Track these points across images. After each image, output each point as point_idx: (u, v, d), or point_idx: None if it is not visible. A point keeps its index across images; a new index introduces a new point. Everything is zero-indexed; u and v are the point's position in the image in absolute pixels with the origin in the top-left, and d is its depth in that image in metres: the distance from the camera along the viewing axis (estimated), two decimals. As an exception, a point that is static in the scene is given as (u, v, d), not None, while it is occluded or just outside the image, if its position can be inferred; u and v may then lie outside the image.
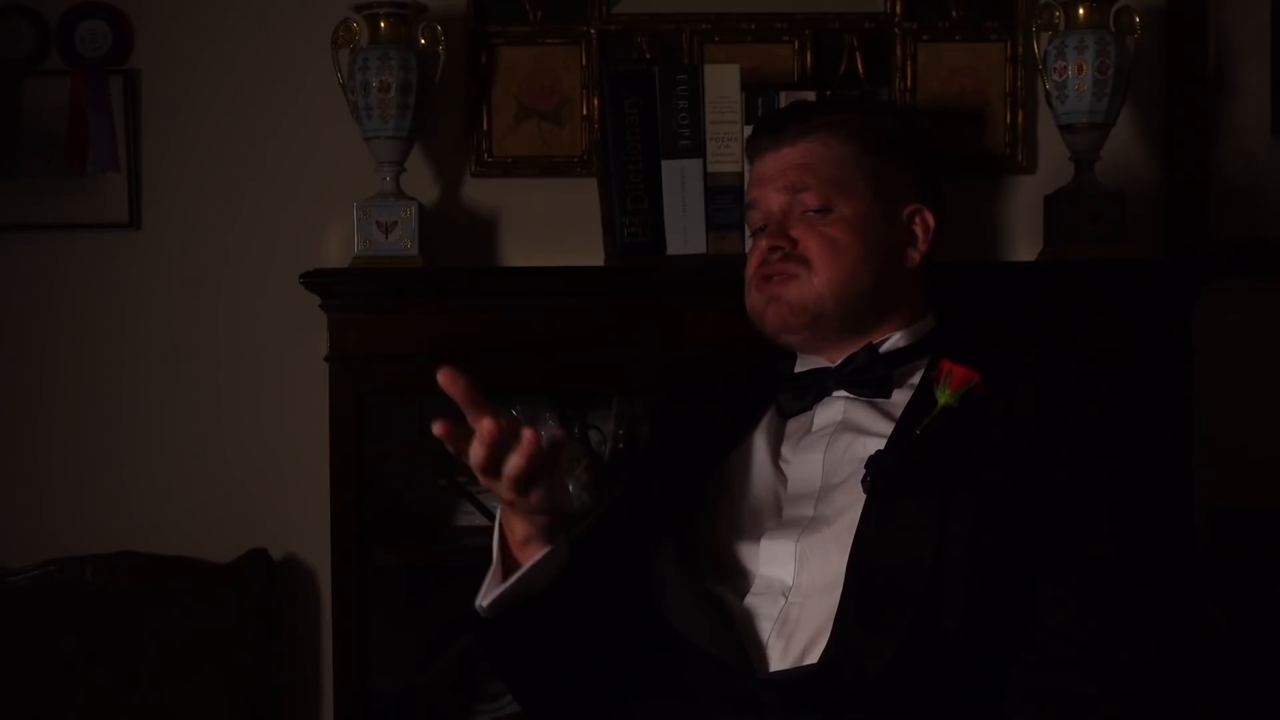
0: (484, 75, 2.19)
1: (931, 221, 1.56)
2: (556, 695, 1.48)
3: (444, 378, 1.23)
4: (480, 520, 2.10)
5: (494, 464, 1.26)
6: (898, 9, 2.18)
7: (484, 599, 1.36)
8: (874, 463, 1.41)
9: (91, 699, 2.06)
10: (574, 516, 2.05)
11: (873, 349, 1.52)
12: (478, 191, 2.21)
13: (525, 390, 2.10)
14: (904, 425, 1.44)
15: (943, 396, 1.42)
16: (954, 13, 2.19)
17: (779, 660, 1.37)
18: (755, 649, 1.38)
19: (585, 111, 2.18)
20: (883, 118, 1.59)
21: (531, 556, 1.35)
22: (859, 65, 2.19)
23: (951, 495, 1.37)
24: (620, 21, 2.18)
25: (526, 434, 1.25)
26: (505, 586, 1.35)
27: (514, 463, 1.26)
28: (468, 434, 1.25)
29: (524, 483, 1.27)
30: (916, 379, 1.51)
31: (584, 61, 2.18)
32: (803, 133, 1.56)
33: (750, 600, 1.42)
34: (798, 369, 1.57)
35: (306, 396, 2.13)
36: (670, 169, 2.02)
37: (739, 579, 1.45)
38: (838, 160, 1.54)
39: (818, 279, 1.51)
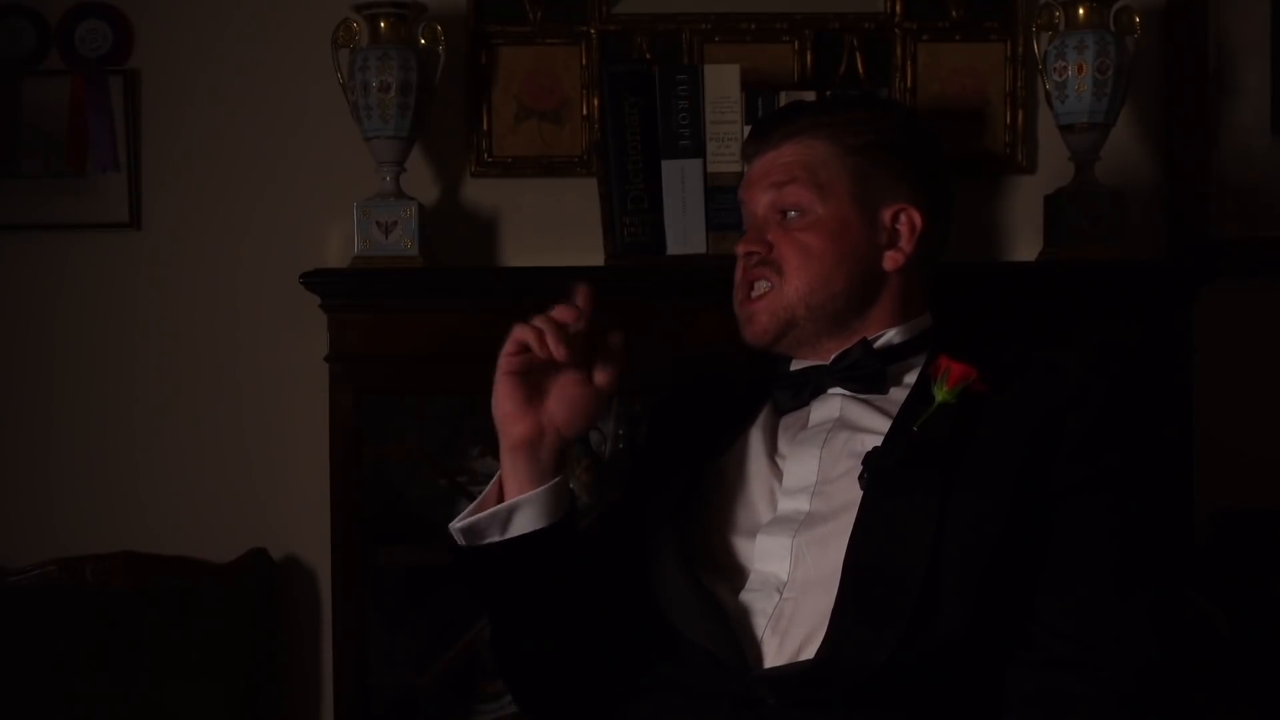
0: (484, 75, 2.19)
1: (919, 221, 1.54)
2: (527, 646, 1.49)
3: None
4: (480, 520, 2.10)
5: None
6: (898, 9, 2.18)
7: (457, 523, 1.42)
8: (871, 459, 1.41)
9: (91, 699, 2.06)
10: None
11: (867, 344, 1.52)
12: (478, 191, 2.21)
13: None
14: (901, 422, 1.44)
15: (940, 393, 1.42)
16: (954, 13, 2.19)
17: (773, 656, 1.37)
18: (750, 645, 1.38)
19: (585, 111, 2.18)
20: (872, 118, 1.58)
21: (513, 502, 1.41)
22: (859, 65, 2.19)
23: (949, 493, 1.37)
24: (620, 21, 2.18)
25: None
26: (472, 519, 1.41)
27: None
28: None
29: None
30: (914, 376, 1.51)
31: (584, 61, 2.18)
32: (786, 136, 1.57)
33: (745, 596, 1.42)
34: (794, 366, 1.58)
35: (306, 396, 2.13)
36: (670, 169, 2.02)
37: (735, 575, 1.45)
38: (819, 163, 1.54)
39: (788, 287, 1.53)
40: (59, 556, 2.14)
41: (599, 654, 1.48)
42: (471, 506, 1.43)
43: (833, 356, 1.53)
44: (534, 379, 1.42)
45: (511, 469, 1.42)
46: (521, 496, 1.40)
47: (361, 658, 1.97)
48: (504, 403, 1.42)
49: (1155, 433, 1.79)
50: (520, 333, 1.40)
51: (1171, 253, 2.18)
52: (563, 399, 1.42)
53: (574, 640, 1.46)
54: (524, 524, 1.41)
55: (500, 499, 1.42)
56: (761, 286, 1.54)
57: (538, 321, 1.39)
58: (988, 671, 1.37)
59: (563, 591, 1.44)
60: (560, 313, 1.40)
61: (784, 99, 1.98)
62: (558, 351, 1.37)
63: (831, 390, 1.52)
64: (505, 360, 1.41)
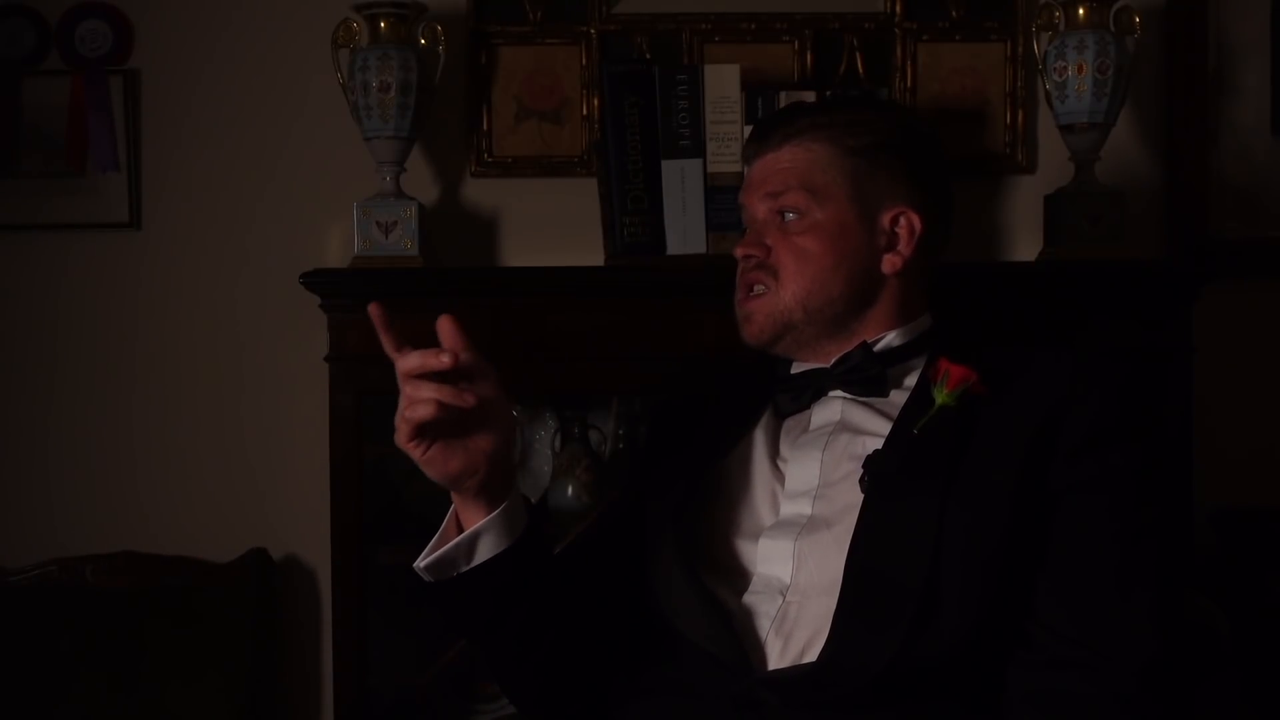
0: (484, 75, 2.19)
1: (918, 224, 1.54)
2: (515, 665, 1.47)
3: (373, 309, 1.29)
4: (480, 520, 2.10)
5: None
6: (898, 9, 2.18)
7: (421, 561, 1.39)
8: (872, 462, 1.41)
9: (91, 699, 2.06)
10: (574, 517, 2.06)
11: (867, 347, 1.52)
12: (478, 191, 2.21)
13: (525, 390, 2.10)
14: (902, 425, 1.44)
15: (940, 396, 1.42)
16: (954, 13, 2.19)
17: (777, 659, 1.37)
18: (754, 648, 1.38)
19: (585, 111, 2.18)
20: (872, 119, 1.58)
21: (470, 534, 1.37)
22: (859, 65, 2.19)
23: (949, 495, 1.37)
24: (620, 21, 2.18)
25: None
26: (436, 554, 1.37)
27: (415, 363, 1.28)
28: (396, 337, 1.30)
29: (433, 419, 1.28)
30: (914, 379, 1.51)
31: (584, 61, 2.18)
32: (785, 138, 1.56)
33: (748, 599, 1.42)
34: (794, 370, 1.58)
35: (306, 396, 2.13)
36: (670, 169, 2.02)
37: (737, 578, 1.45)
38: (818, 165, 1.54)
39: (784, 291, 1.52)
40: (59, 556, 2.15)
41: (592, 657, 1.48)
42: (433, 542, 1.39)
43: (833, 359, 1.53)
44: (450, 433, 1.32)
45: (474, 506, 1.37)
46: (481, 523, 1.36)
47: (361, 658, 1.97)
48: (444, 468, 1.32)
49: (1155, 432, 1.79)
50: (415, 414, 1.28)
51: (1171, 253, 2.18)
52: (477, 422, 1.33)
53: (562, 648, 1.46)
54: (490, 547, 1.37)
55: (459, 529, 1.38)
56: (759, 289, 1.54)
57: (428, 393, 1.27)
58: (989, 673, 1.37)
59: (543, 603, 1.42)
60: (429, 361, 1.28)
61: (784, 99, 1.98)
62: (467, 401, 1.28)
63: (832, 393, 1.53)
64: (417, 448, 1.31)
